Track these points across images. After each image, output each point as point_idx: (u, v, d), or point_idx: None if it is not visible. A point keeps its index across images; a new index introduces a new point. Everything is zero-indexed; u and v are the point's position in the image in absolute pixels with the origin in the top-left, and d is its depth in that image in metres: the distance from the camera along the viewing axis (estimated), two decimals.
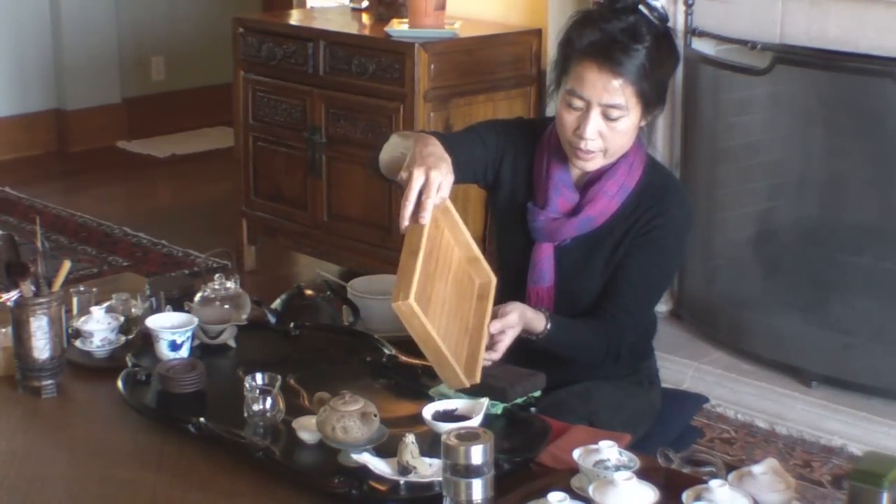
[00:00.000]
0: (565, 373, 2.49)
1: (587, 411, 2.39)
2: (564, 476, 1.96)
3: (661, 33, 2.39)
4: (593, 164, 2.41)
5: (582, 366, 2.47)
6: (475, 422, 2.08)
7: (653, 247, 2.44)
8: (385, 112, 4.28)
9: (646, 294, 2.49)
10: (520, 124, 2.61)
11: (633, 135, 2.42)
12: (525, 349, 2.44)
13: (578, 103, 2.36)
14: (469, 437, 1.83)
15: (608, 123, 2.36)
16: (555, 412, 2.27)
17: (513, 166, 2.52)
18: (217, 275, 2.65)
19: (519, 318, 2.29)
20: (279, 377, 2.19)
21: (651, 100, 2.38)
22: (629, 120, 2.37)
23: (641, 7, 2.38)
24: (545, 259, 2.47)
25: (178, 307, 2.57)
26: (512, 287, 2.50)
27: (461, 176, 2.35)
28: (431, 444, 2.00)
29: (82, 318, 2.54)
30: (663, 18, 2.41)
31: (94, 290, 2.67)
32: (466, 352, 2.20)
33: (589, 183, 2.45)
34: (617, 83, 2.33)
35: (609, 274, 2.46)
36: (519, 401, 2.24)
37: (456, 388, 2.17)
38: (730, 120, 4.01)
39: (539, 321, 2.34)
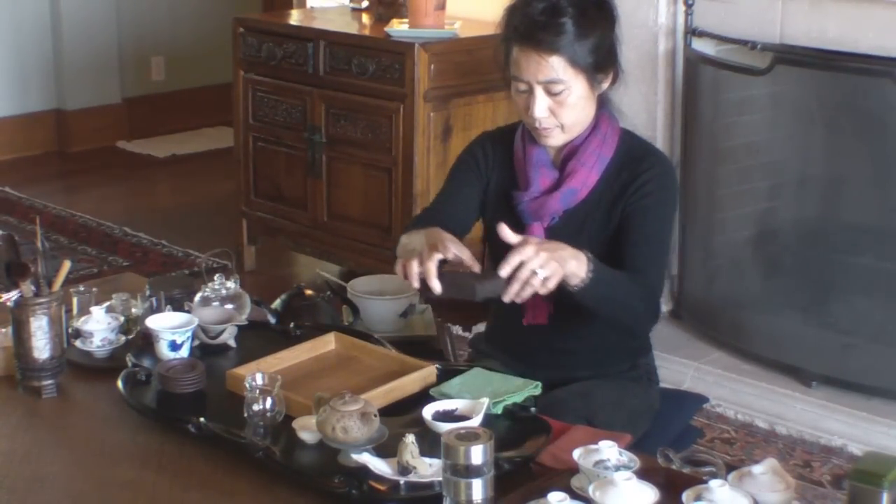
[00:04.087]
0: (565, 372, 2.49)
1: (587, 411, 2.39)
2: (564, 476, 1.96)
3: (584, 2, 2.41)
4: (554, 139, 2.46)
5: (632, 324, 2.44)
6: (475, 422, 2.08)
7: (650, 200, 2.44)
8: (385, 112, 4.28)
9: (655, 250, 2.46)
10: (487, 139, 2.64)
11: (587, 106, 2.45)
12: (522, 343, 2.45)
13: (522, 86, 2.43)
14: (469, 437, 1.83)
15: (554, 99, 2.41)
16: (554, 412, 2.27)
17: (493, 173, 2.58)
18: (217, 275, 2.65)
19: (538, 245, 2.21)
20: (279, 377, 2.19)
21: (590, 67, 2.40)
22: (574, 93, 2.41)
23: None
24: None
25: (178, 307, 2.57)
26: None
27: (472, 221, 2.58)
28: (431, 444, 2.00)
29: (82, 318, 2.54)
30: None
31: (94, 290, 2.67)
32: None
33: (566, 159, 2.49)
34: (547, 60, 2.38)
35: (606, 246, 2.44)
36: (519, 401, 2.24)
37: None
38: (730, 120, 4.01)
39: (581, 260, 2.26)
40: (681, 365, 3.88)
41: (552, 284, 2.21)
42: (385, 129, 4.30)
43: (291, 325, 2.57)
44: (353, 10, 4.96)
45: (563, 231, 2.47)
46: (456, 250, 2.28)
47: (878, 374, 3.66)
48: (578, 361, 2.52)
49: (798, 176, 3.96)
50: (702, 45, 3.99)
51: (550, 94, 2.40)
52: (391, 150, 4.29)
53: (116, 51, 6.88)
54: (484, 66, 4.31)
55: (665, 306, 4.22)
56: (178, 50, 7.13)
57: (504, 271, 2.18)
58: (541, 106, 2.41)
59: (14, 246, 2.41)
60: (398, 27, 4.34)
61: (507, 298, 2.20)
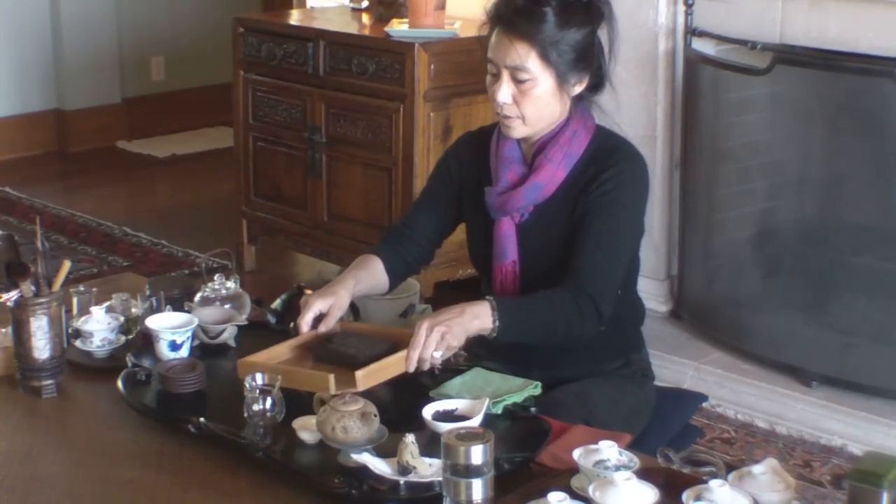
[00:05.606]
0: (559, 372, 2.48)
1: (584, 410, 2.39)
2: (564, 476, 1.96)
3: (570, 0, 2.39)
4: (516, 131, 2.45)
5: (566, 338, 2.40)
6: (475, 422, 2.08)
7: (605, 199, 2.41)
8: (385, 112, 4.28)
9: (603, 253, 2.42)
10: (462, 141, 2.67)
11: (553, 103, 2.42)
12: (513, 344, 2.46)
13: (493, 69, 2.43)
14: (469, 437, 1.83)
15: (519, 87, 2.40)
16: (552, 412, 2.26)
17: (466, 173, 2.59)
18: (217, 275, 2.65)
19: (431, 323, 2.26)
20: (279, 377, 2.19)
21: (562, 65, 2.39)
22: (540, 87, 2.39)
23: None
24: (505, 235, 2.49)
25: (178, 307, 2.57)
26: (483, 272, 2.57)
27: (448, 229, 2.65)
28: (431, 444, 2.00)
29: (82, 318, 2.54)
30: None
31: (94, 290, 2.67)
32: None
33: (535, 155, 2.48)
34: (518, 46, 2.37)
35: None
36: (519, 401, 2.24)
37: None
38: (730, 120, 4.01)
39: (485, 314, 2.31)
40: (681, 365, 3.88)
41: (448, 355, 2.28)
42: (385, 129, 4.30)
43: (291, 325, 2.56)
44: (353, 10, 4.97)
45: (534, 227, 2.47)
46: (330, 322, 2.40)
47: (878, 374, 3.66)
48: (571, 360, 2.51)
49: (798, 176, 3.96)
50: (702, 45, 3.99)
51: (516, 81, 2.39)
52: (391, 150, 4.29)
53: (116, 51, 6.88)
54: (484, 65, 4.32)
55: (665, 306, 4.23)
56: (178, 50, 7.12)
57: (411, 367, 2.24)
58: (505, 92, 2.40)
59: (14, 246, 2.41)
60: (398, 27, 4.34)
61: (410, 370, 2.26)
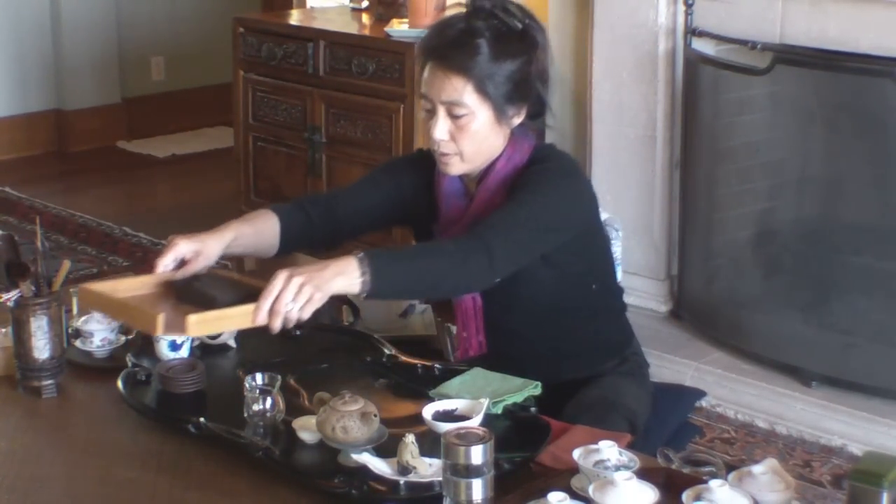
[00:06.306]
0: (560, 374, 2.47)
1: (623, 406, 2.39)
2: (564, 476, 1.96)
3: (504, 30, 2.33)
4: (454, 168, 2.39)
5: (455, 289, 2.31)
6: (475, 422, 2.08)
7: (521, 182, 2.35)
8: (385, 112, 4.29)
9: (511, 211, 2.31)
10: (419, 156, 2.60)
11: (491, 136, 2.36)
12: (501, 355, 2.44)
13: (427, 105, 2.37)
14: (469, 437, 1.83)
15: (455, 123, 2.33)
16: (598, 410, 2.29)
17: (421, 196, 2.52)
18: None
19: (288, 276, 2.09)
20: (279, 377, 2.19)
21: (500, 98, 2.33)
22: (477, 121, 2.33)
23: (497, 11, 2.34)
24: None
25: None
26: (446, 308, 2.50)
27: (372, 224, 2.56)
28: (431, 444, 2.00)
29: (82, 318, 2.54)
30: (519, 19, 2.35)
31: None
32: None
33: (477, 185, 2.43)
34: (452, 80, 2.32)
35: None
36: (519, 401, 2.24)
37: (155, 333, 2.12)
38: (730, 120, 4.01)
39: (350, 270, 2.15)
40: (681, 365, 3.88)
41: (307, 313, 2.09)
42: (385, 129, 4.30)
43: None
44: (353, 10, 4.97)
45: None
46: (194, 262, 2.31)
47: (878, 374, 3.66)
48: (567, 365, 2.50)
49: (798, 176, 3.96)
50: (702, 45, 3.99)
51: (452, 116, 2.33)
52: (391, 150, 4.30)
53: (116, 51, 6.88)
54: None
55: (665, 306, 4.22)
56: (178, 50, 7.13)
57: (260, 319, 2.06)
58: (441, 128, 2.34)
59: (14, 246, 2.41)
60: (398, 27, 4.34)
61: (258, 322, 2.07)
